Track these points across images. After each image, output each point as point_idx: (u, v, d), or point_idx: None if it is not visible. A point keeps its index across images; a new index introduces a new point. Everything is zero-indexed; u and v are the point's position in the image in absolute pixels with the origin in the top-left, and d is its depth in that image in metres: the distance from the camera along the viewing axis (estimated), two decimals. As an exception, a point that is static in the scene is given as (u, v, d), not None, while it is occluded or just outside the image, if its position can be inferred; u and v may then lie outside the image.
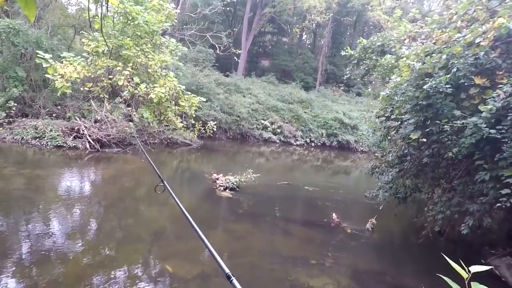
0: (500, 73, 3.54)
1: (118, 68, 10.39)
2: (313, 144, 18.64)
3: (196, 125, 13.60)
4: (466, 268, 1.53)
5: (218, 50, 19.12)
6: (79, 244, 4.13)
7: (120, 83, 10.00)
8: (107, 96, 10.64)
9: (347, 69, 9.29)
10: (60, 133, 9.35)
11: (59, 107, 11.55)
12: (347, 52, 8.54)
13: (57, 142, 9.04)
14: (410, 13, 8.23)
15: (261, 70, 29.90)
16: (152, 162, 2.97)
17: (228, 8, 30.63)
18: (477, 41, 3.68)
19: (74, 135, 9.58)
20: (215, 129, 14.45)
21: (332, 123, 19.03)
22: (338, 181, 11.62)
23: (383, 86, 8.04)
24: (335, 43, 30.85)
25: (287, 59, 30.50)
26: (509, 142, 3.25)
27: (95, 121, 10.35)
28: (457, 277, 1.45)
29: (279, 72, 29.63)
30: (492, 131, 3.32)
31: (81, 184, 6.97)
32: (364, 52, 8.09)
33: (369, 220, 6.00)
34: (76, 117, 10.29)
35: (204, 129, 13.94)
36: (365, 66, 8.22)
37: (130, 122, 10.70)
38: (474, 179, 3.94)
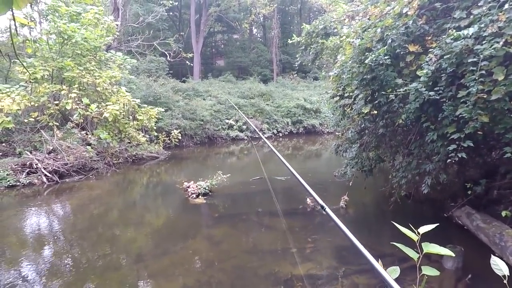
0: (429, 38, 3.76)
1: (63, 92, 9.80)
2: (280, 134, 18.86)
3: (159, 137, 13.24)
4: (416, 231, 1.61)
5: (169, 57, 18.65)
6: (57, 285, 3.84)
7: (68, 107, 9.46)
8: (57, 123, 10.01)
9: (297, 55, 9.45)
10: (11, 171, 8.62)
11: (4, 144, 10.66)
12: (294, 39, 8.69)
13: (8, 183, 8.33)
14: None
15: (218, 70, 29.67)
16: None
17: (172, 13, 29.99)
18: (404, 11, 3.87)
19: (27, 171, 8.88)
20: (180, 137, 14.18)
21: (295, 110, 19.37)
22: (310, 166, 11.86)
23: (334, 67, 8.27)
24: (284, 32, 31.32)
25: (242, 55, 30.52)
26: (447, 101, 3.47)
27: (49, 152, 9.68)
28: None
29: (236, 69, 29.59)
30: (431, 93, 3.53)
31: (45, 221, 6.50)
32: (309, 37, 8.27)
33: (342, 197, 6.19)
34: (27, 152, 9.56)
35: (169, 139, 13.62)
36: (313, 50, 8.42)
37: (87, 146, 10.15)
38: (426, 140, 4.17)
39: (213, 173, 7.84)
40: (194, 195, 7.00)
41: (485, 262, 1.95)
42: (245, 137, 17.66)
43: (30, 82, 9.27)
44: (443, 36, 3.50)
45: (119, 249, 4.94)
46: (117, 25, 12.69)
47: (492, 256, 1.99)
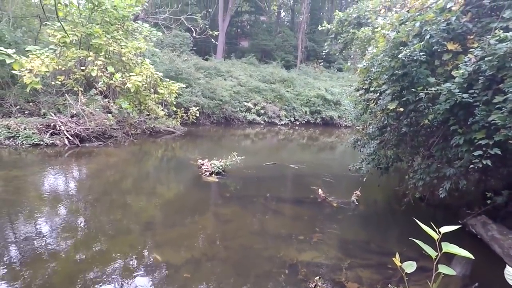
0: (471, 37, 3.57)
1: (90, 59, 9.97)
2: (297, 123, 18.71)
3: (178, 112, 13.38)
4: (437, 230, 1.59)
5: (194, 33, 18.53)
6: (69, 242, 4.05)
7: (93, 74, 9.63)
8: (82, 89, 10.25)
9: (325, 44, 9.20)
10: (36, 130, 8.99)
11: (31, 104, 11.07)
12: (324, 26, 8.43)
13: (33, 141, 8.70)
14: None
15: (241, 51, 29.36)
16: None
17: (201, -12, 29.55)
18: (448, 6, 3.67)
19: (50, 131, 9.23)
20: (198, 115, 14.30)
21: (315, 100, 19.08)
22: (324, 157, 11.79)
23: (362, 59, 8.02)
24: (313, 19, 30.42)
25: (267, 38, 29.99)
26: (480, 105, 3.32)
27: (72, 116, 9.98)
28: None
29: (259, 52, 29.17)
30: (465, 95, 3.38)
31: (64, 181, 6.79)
32: (341, 26, 7.99)
33: (354, 192, 6.15)
34: (51, 113, 9.90)
35: (187, 116, 13.75)
36: (342, 40, 8.15)
37: (108, 114, 10.39)
38: (450, 144, 4.04)
39: (227, 153, 7.92)
40: (208, 173, 7.11)
41: (495, 273, 1.91)
42: (262, 122, 17.62)
43: (60, 45, 9.46)
44: (487, 37, 3.30)
45: (130, 216, 5.12)
46: (146, -5, 12.63)
47: (507, 265, 1.95)
